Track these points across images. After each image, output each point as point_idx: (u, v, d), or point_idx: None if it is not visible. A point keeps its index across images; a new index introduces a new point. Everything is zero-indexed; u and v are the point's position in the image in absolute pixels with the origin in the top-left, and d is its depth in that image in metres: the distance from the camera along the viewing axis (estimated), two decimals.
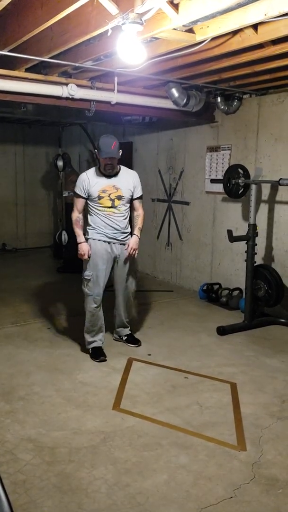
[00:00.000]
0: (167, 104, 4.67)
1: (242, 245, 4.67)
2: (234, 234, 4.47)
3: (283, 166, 4.62)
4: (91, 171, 3.63)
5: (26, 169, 8.33)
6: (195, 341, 4.12)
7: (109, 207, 3.56)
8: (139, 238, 3.68)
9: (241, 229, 4.93)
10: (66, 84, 4.03)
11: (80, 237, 3.60)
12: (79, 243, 3.59)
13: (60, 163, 7.25)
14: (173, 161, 5.98)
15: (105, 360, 3.61)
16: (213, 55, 3.26)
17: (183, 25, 2.60)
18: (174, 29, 2.66)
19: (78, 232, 3.60)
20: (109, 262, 3.63)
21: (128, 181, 3.63)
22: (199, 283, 5.56)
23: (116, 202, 3.56)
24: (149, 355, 3.76)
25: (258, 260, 4.68)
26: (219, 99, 4.89)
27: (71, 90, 4.04)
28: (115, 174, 3.60)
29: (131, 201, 3.70)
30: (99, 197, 3.54)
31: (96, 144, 3.51)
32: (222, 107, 4.94)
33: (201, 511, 2.04)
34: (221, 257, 5.42)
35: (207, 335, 4.25)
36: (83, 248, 3.57)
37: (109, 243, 3.60)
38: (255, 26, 2.83)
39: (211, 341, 4.11)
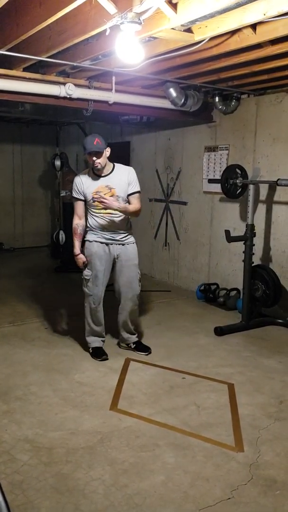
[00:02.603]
0: (165, 103, 4.66)
1: (239, 246, 4.67)
2: (232, 234, 4.47)
3: (281, 166, 4.62)
4: (84, 173, 3.60)
5: (24, 169, 8.31)
6: (192, 341, 4.11)
7: (105, 209, 3.47)
8: (119, 206, 3.41)
9: (239, 229, 4.93)
10: (64, 84, 4.01)
11: (76, 249, 3.59)
12: (75, 255, 3.60)
13: (57, 163, 7.24)
14: (170, 161, 5.97)
15: (107, 359, 3.61)
16: (211, 55, 3.25)
17: (182, 25, 2.59)
18: (172, 28, 2.65)
19: (75, 243, 3.60)
20: (107, 263, 3.59)
21: (122, 179, 3.53)
22: (196, 283, 5.56)
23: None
24: (147, 355, 3.75)
25: (256, 260, 4.68)
26: (217, 99, 4.88)
27: (69, 90, 4.03)
28: (108, 174, 3.53)
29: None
30: (93, 199, 3.48)
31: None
32: (220, 107, 4.93)
33: None
34: (219, 257, 5.42)
35: (204, 335, 4.24)
36: (78, 261, 3.60)
37: (106, 244, 3.56)
38: (253, 26, 2.82)
39: (208, 341, 4.11)
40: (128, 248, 3.62)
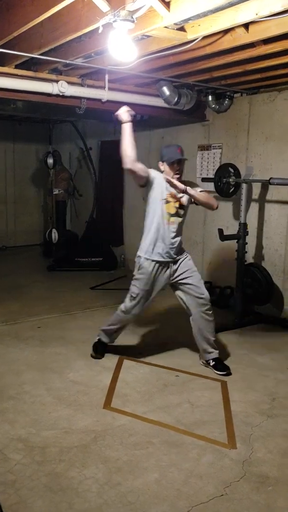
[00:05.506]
0: (158, 102, 4.66)
1: (232, 244, 4.69)
2: (225, 233, 4.48)
3: (274, 165, 4.64)
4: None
5: (16, 167, 8.27)
6: (186, 339, 4.12)
7: (172, 215, 3.33)
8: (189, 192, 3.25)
9: (232, 228, 4.94)
10: (57, 81, 4.00)
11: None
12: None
13: (50, 161, 7.22)
14: None
15: (99, 358, 3.60)
16: (204, 53, 3.26)
17: (175, 23, 2.60)
18: (165, 27, 2.66)
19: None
20: (158, 286, 3.41)
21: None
22: None
23: (179, 211, 3.38)
24: (140, 353, 3.76)
25: (249, 259, 4.70)
26: (210, 97, 4.90)
27: (62, 87, 4.02)
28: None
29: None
30: (167, 201, 3.31)
31: (159, 156, 3.31)
32: (213, 105, 4.94)
33: (192, 509, 2.04)
34: (212, 255, 5.44)
35: None
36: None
37: (162, 263, 3.34)
38: (246, 26, 2.83)
39: None
40: (180, 261, 3.41)
